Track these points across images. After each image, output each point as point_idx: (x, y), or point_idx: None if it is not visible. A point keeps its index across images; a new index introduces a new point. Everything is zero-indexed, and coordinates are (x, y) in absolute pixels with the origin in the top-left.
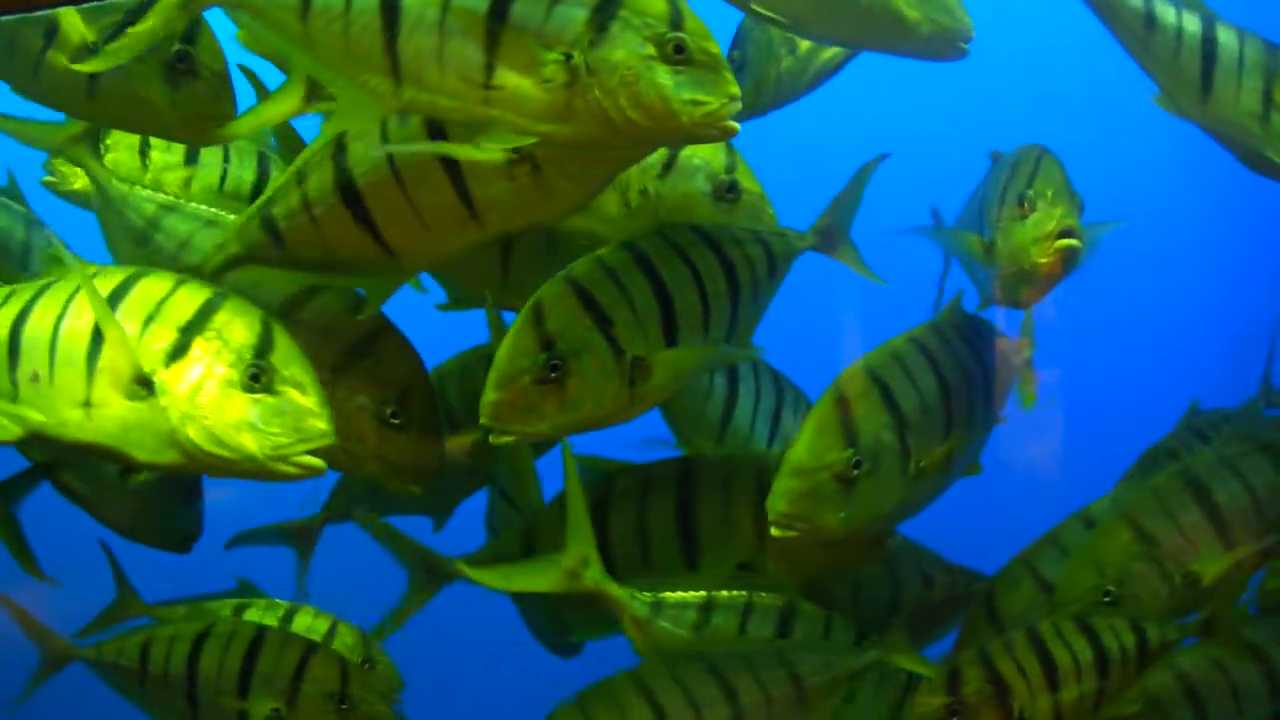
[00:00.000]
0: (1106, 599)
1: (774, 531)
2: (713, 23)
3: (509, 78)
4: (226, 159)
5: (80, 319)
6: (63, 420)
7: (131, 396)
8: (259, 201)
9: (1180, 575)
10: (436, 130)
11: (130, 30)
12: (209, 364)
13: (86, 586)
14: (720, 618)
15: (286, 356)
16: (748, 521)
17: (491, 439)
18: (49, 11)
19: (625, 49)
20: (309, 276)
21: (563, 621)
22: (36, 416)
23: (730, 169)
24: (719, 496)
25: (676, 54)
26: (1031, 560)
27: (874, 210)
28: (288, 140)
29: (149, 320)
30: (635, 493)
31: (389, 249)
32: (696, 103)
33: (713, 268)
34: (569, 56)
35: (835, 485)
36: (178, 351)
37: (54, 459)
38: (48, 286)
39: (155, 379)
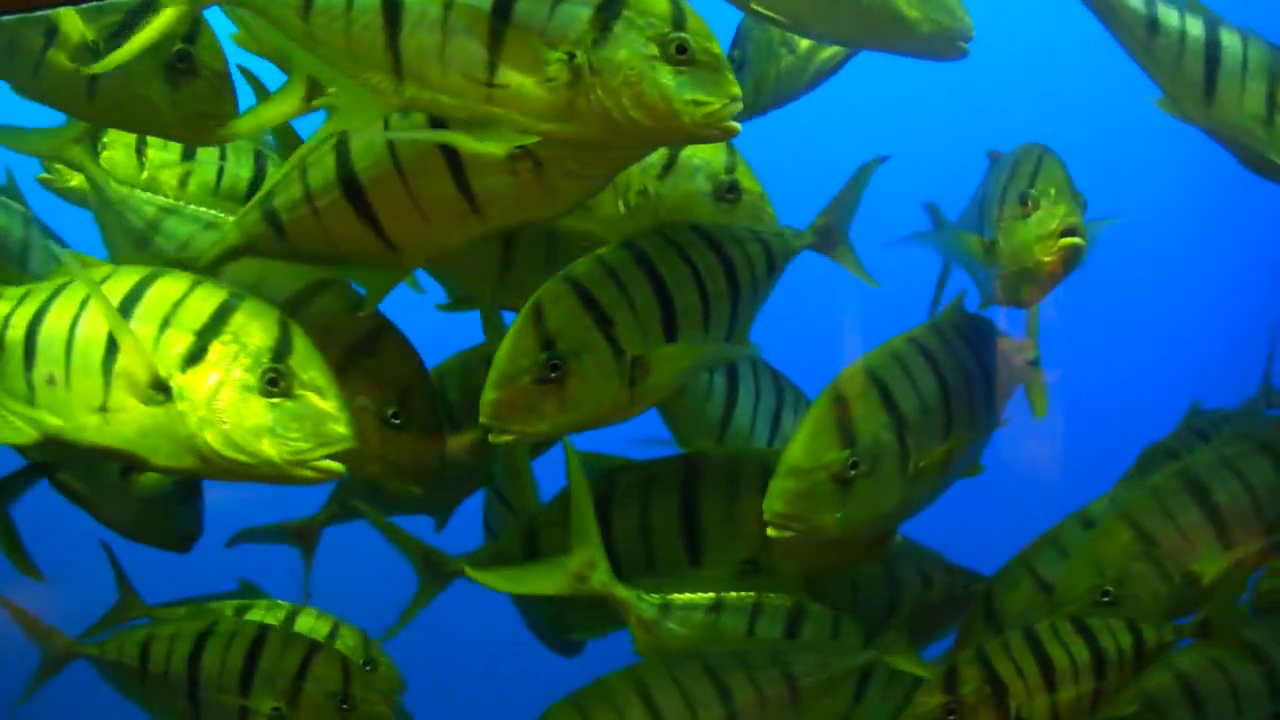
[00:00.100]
0: (1106, 599)
1: (770, 532)
2: (712, 22)
3: (512, 76)
4: (223, 157)
5: (96, 322)
6: (80, 425)
7: (148, 402)
8: (260, 192)
9: (1180, 575)
10: (439, 126)
11: (134, 30)
12: (226, 368)
13: (87, 586)
14: (728, 619)
15: (305, 359)
16: (752, 519)
17: (491, 438)
18: (49, 11)
19: (628, 49)
20: (310, 273)
21: (563, 621)
22: (54, 421)
23: (730, 169)
24: (723, 493)
25: (679, 54)
26: (1030, 561)
27: (873, 210)
28: (286, 139)
29: (165, 323)
30: (638, 490)
31: (390, 242)
32: (698, 103)
33: (713, 267)
34: (572, 56)
35: (832, 486)
36: (194, 356)
37: (54, 459)
38: (64, 287)
39: (172, 384)
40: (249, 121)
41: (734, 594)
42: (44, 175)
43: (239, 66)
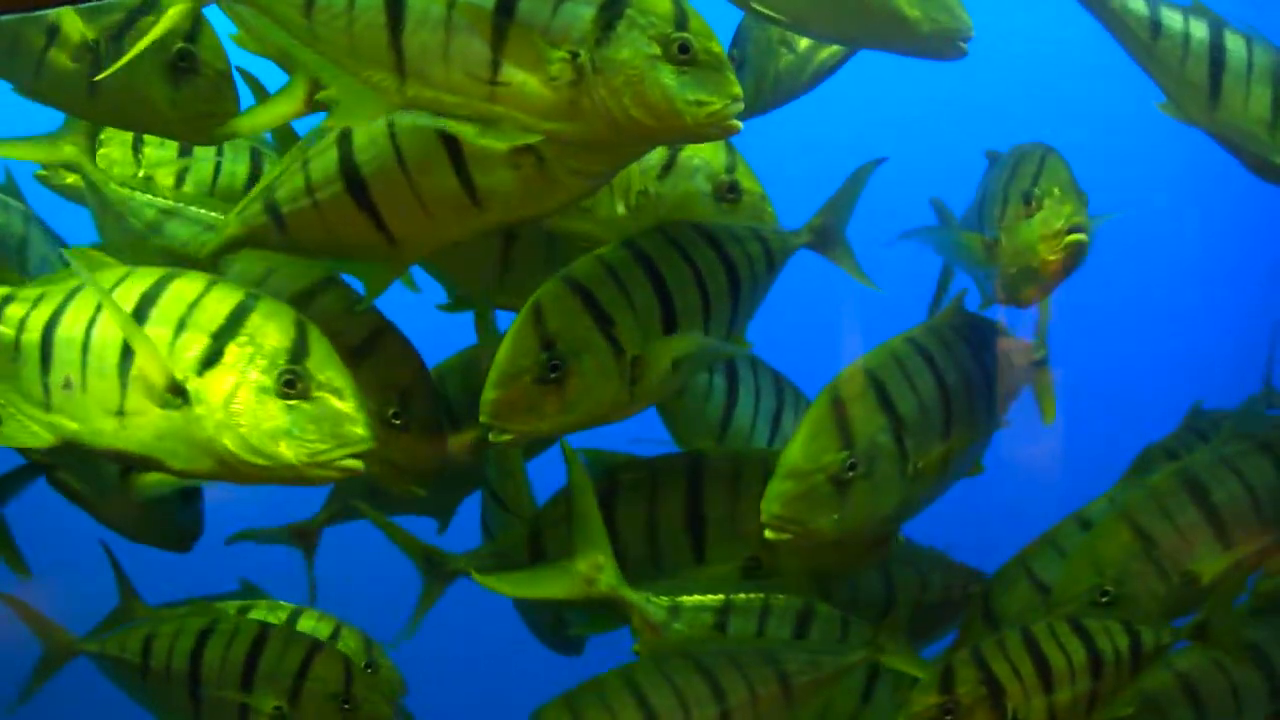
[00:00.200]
0: (1104, 599)
1: (768, 534)
2: (712, 21)
3: (515, 75)
4: (220, 154)
5: (112, 325)
6: (97, 429)
7: (165, 406)
8: (261, 184)
9: (1179, 575)
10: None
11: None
12: (243, 370)
13: (87, 584)
14: (738, 620)
15: (322, 360)
16: (755, 517)
17: (491, 437)
18: (49, 11)
19: (631, 48)
20: (310, 273)
21: (562, 620)
22: (71, 425)
23: (730, 169)
24: (727, 491)
25: (681, 54)
26: (1028, 561)
27: (872, 210)
28: (285, 138)
29: (181, 326)
30: (643, 486)
31: (391, 236)
32: (700, 103)
33: (713, 265)
34: (575, 55)
35: (830, 487)
36: (211, 358)
37: (53, 459)
38: (79, 289)
39: (189, 387)
40: (250, 121)
41: (743, 595)
42: (41, 172)
43: (238, 68)
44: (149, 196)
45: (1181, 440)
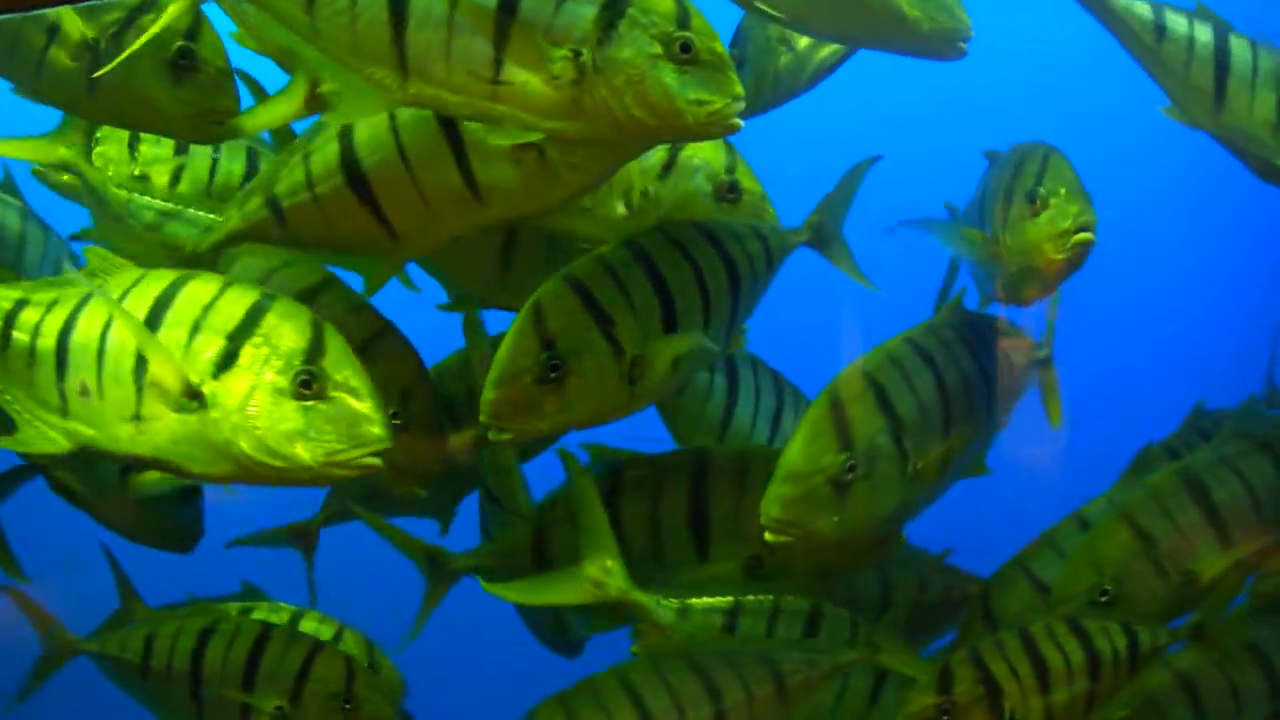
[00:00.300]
0: (1104, 598)
1: (768, 536)
2: (712, 20)
3: (517, 74)
4: (216, 152)
5: (126, 330)
6: (114, 435)
7: (181, 410)
8: (260, 176)
9: (1179, 575)
10: (446, 124)
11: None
12: (258, 372)
13: (88, 585)
14: (747, 622)
15: (338, 360)
16: (759, 515)
17: (490, 436)
18: (50, 11)
19: (633, 47)
20: (311, 274)
21: (563, 621)
22: (88, 431)
23: (730, 169)
24: (731, 488)
25: (683, 53)
26: (1027, 562)
27: (872, 209)
28: (283, 137)
29: (196, 328)
30: (647, 483)
31: (391, 230)
32: (701, 102)
33: (713, 264)
34: (577, 54)
35: (830, 489)
36: (226, 360)
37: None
38: (93, 294)
39: (204, 391)
40: (251, 121)
41: (752, 597)
42: (38, 169)
43: (237, 70)
44: (148, 199)
45: (1184, 440)
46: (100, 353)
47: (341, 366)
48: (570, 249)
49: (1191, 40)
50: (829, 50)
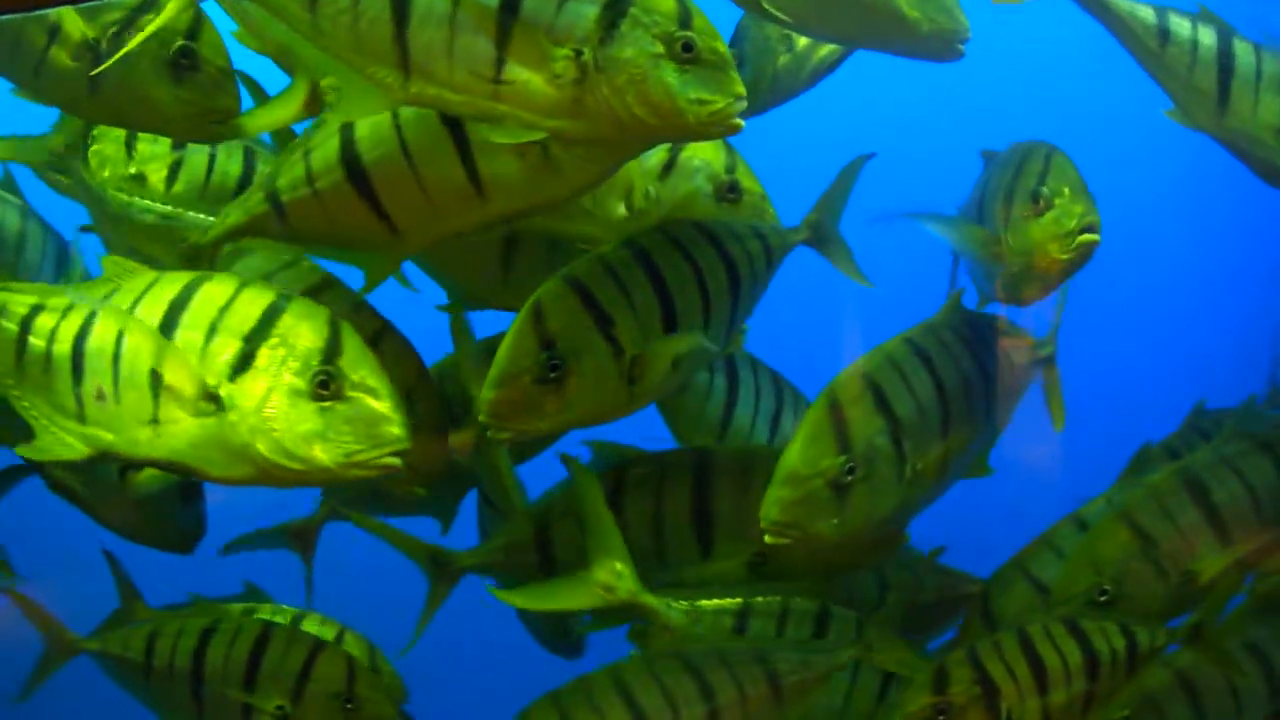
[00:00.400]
0: (1103, 598)
1: (768, 540)
2: (714, 20)
3: (519, 73)
4: (213, 150)
5: (141, 341)
6: (131, 440)
7: (199, 413)
8: (264, 172)
9: (1178, 575)
10: (449, 122)
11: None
12: (275, 374)
13: (88, 585)
14: (757, 623)
15: (355, 360)
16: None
17: (490, 436)
18: (50, 11)
19: (634, 47)
20: (311, 274)
21: (564, 622)
22: (106, 436)
23: (731, 169)
24: (735, 486)
25: (685, 52)
26: (1025, 563)
27: (871, 209)
28: (283, 136)
29: (212, 330)
30: (650, 480)
31: (392, 225)
32: (703, 101)
33: (713, 264)
34: (579, 53)
35: (829, 492)
36: (243, 363)
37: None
38: (108, 298)
39: (221, 393)
40: (253, 122)
41: (761, 598)
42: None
43: (238, 72)
44: (147, 202)
45: (1184, 440)
46: (116, 357)
47: (359, 366)
48: (570, 249)
49: (1195, 43)
50: (827, 50)
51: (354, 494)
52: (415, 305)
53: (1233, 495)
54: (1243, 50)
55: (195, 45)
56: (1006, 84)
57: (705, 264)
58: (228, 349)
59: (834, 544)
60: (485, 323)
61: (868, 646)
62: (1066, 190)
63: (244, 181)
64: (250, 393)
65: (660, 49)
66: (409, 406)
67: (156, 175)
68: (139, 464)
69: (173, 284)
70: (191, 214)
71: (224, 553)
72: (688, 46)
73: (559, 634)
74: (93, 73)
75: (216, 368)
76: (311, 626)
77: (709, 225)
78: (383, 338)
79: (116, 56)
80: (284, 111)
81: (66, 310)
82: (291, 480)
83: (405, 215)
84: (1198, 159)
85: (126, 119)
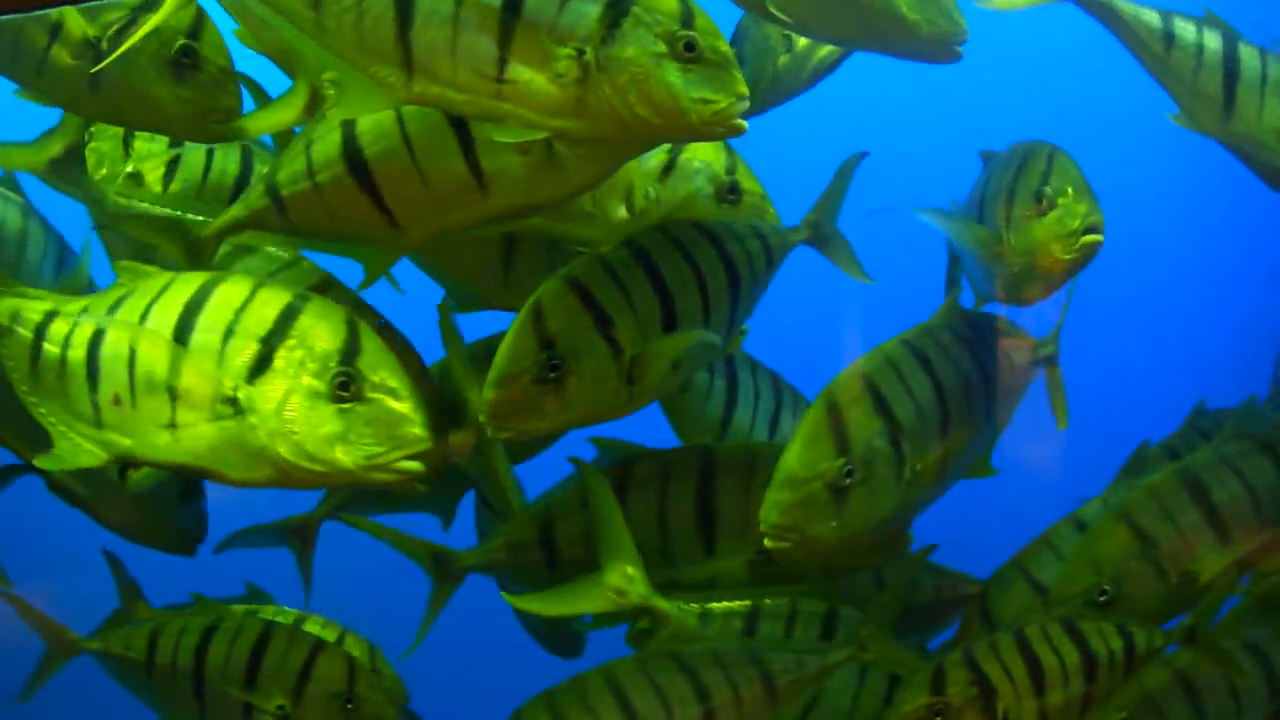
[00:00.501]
0: (1103, 598)
1: (767, 542)
2: (717, 20)
3: (521, 72)
4: (210, 150)
5: (156, 350)
6: (150, 444)
7: (217, 417)
8: (267, 168)
9: (1178, 575)
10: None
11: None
12: (293, 375)
13: (89, 585)
14: (766, 625)
15: (375, 361)
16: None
17: (490, 434)
18: (51, 11)
19: (637, 46)
20: (311, 275)
21: (562, 622)
22: (124, 442)
23: (731, 170)
24: (739, 483)
25: (687, 52)
26: (1024, 563)
27: (871, 209)
28: (283, 137)
29: (229, 332)
30: (655, 478)
31: (393, 220)
32: (705, 101)
33: (713, 264)
34: (581, 52)
35: (828, 495)
36: (261, 364)
37: None
38: (120, 302)
39: (239, 396)
40: (255, 124)
41: (770, 600)
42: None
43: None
44: (147, 204)
45: (1184, 440)
46: (131, 361)
47: (378, 367)
48: (570, 249)
49: (1200, 48)
50: (827, 50)
51: (353, 492)
52: (415, 305)
53: (1233, 495)
54: (1248, 54)
55: (197, 44)
56: (1006, 84)
57: (705, 264)
58: (245, 351)
59: (833, 546)
60: (485, 323)
61: (861, 646)
62: (1070, 190)
63: (241, 180)
64: (269, 395)
65: (663, 48)
66: None
67: (153, 173)
68: (160, 469)
69: (188, 285)
70: (191, 216)
71: (221, 549)
72: (690, 46)
73: (557, 634)
74: (92, 70)
75: (234, 370)
76: (313, 628)
77: (709, 225)
78: (382, 337)
79: (115, 54)
80: (286, 114)
81: (80, 316)
82: (312, 482)
83: (406, 209)
84: (1198, 159)
85: (128, 118)
